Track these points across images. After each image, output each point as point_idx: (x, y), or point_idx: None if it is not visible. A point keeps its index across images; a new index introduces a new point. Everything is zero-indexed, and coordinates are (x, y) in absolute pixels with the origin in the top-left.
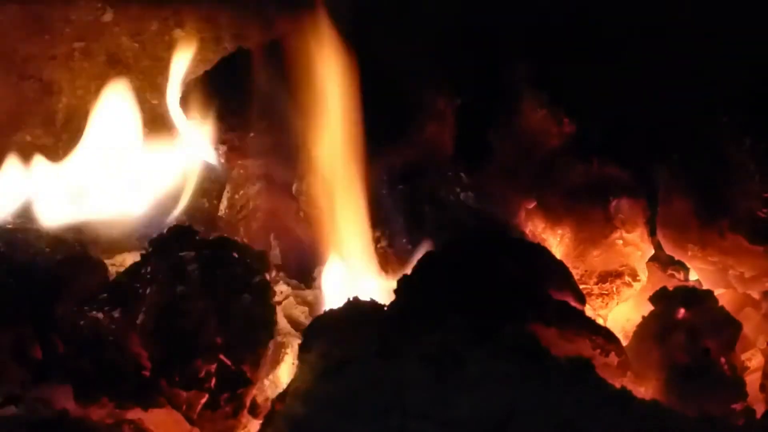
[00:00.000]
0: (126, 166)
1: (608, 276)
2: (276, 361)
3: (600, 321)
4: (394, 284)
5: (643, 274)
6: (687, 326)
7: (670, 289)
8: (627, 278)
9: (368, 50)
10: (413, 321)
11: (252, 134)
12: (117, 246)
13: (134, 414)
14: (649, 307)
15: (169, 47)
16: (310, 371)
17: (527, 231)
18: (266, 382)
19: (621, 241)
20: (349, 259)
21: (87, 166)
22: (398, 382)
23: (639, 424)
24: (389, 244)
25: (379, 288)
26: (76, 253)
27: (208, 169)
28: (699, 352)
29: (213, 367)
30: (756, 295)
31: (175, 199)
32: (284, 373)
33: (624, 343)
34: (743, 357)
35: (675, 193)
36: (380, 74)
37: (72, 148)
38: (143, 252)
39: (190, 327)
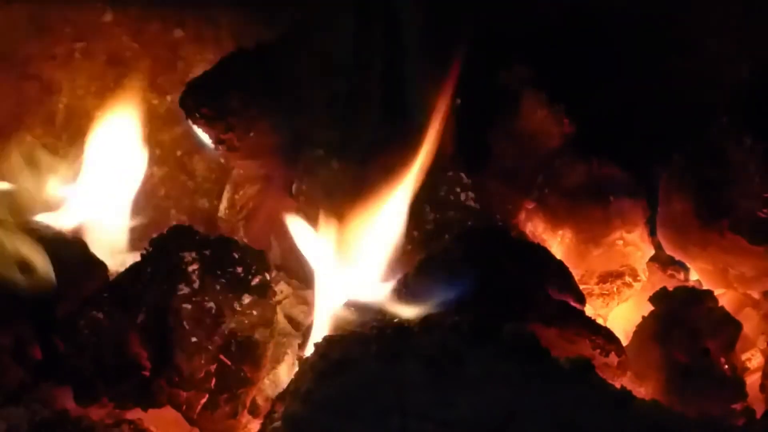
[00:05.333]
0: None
1: (608, 276)
2: (276, 361)
3: (600, 321)
4: (394, 284)
5: (644, 274)
6: (687, 326)
7: (670, 289)
8: (627, 278)
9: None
10: (413, 321)
11: (252, 134)
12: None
13: (134, 414)
14: (649, 307)
15: (169, 47)
16: (310, 371)
17: (527, 231)
18: (266, 382)
19: (621, 241)
20: (349, 258)
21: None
22: (398, 382)
23: (639, 424)
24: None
25: (378, 288)
26: (76, 253)
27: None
28: (699, 352)
29: (213, 367)
30: (756, 295)
31: None
32: (284, 373)
33: (624, 343)
34: (743, 357)
35: (675, 193)
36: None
37: (72, 148)
38: (143, 252)
39: (189, 327)
